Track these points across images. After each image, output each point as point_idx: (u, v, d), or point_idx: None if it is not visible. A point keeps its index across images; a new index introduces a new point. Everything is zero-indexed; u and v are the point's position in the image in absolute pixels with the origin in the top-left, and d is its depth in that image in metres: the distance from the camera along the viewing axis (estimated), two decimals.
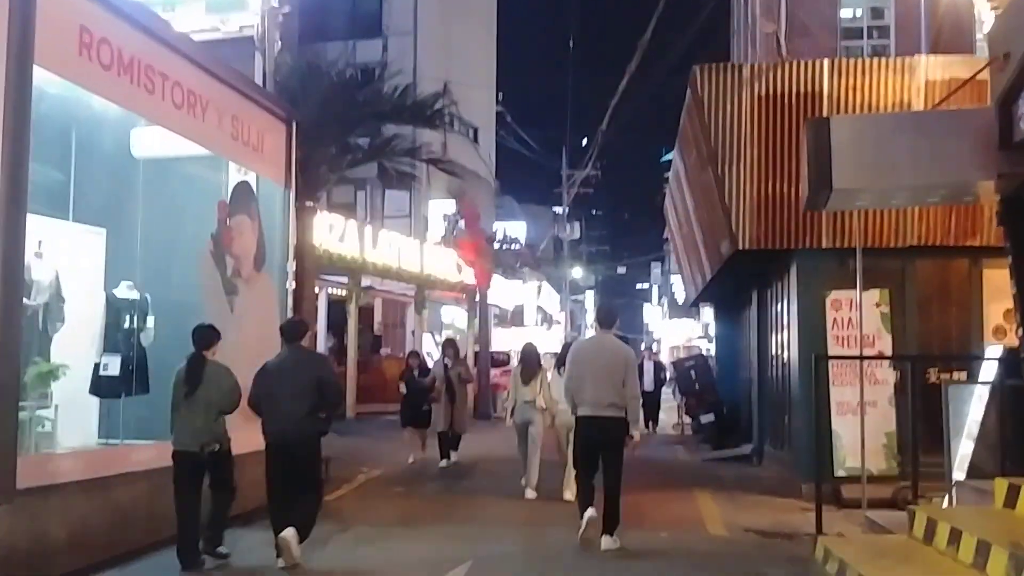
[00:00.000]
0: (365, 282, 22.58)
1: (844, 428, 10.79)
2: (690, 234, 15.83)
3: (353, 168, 13.40)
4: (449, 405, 14.23)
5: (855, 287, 10.30)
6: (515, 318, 43.52)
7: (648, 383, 18.18)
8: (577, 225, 60.20)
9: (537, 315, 47.50)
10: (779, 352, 13.21)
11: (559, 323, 53.86)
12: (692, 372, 17.19)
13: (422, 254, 22.17)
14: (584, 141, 54.55)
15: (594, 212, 72.18)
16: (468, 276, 24.55)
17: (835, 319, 11.14)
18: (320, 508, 7.80)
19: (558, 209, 54.78)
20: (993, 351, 9.90)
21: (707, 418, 16.76)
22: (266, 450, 7.35)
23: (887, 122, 9.18)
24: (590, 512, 8.19)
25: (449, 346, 14.75)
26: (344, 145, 12.66)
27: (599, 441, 8.28)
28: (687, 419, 18.75)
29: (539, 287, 48.56)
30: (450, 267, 23.66)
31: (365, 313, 25.27)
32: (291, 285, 11.48)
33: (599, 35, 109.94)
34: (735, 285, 15.84)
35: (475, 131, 33.55)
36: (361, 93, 13.23)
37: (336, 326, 22.14)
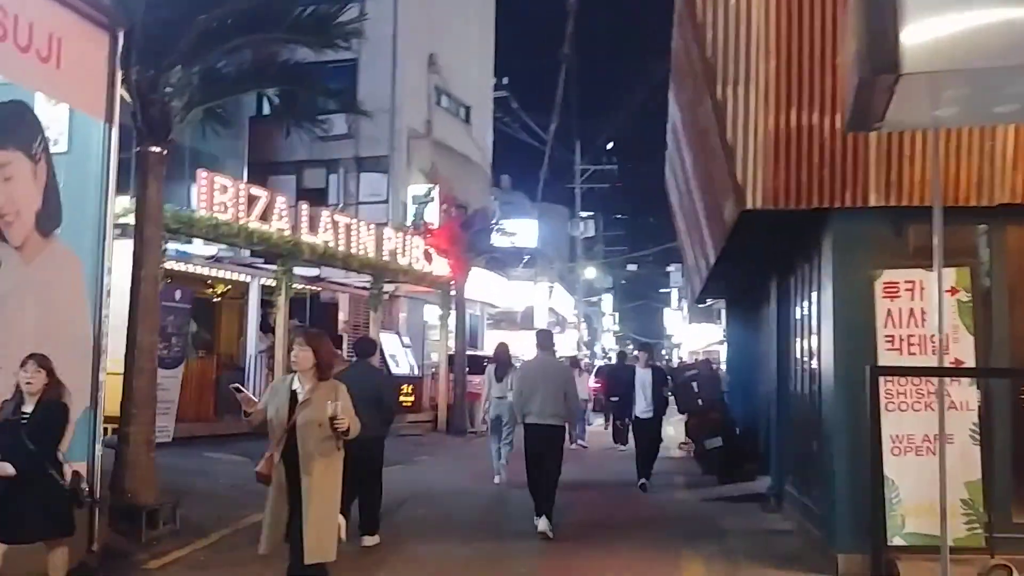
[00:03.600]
0: (327, 273, 19.18)
1: (903, 474, 7.25)
2: (690, 207, 12.24)
3: (222, 98, 9.91)
4: None
5: (918, 264, 6.81)
6: (524, 321, 40.12)
7: (643, 405, 12.61)
8: (592, 223, 56.85)
9: (549, 318, 43.98)
10: (807, 359, 9.62)
11: (572, 326, 50.60)
12: (693, 384, 13.55)
13: (379, 239, 18.66)
14: (609, 145, 51.70)
15: (616, 216, 68.71)
16: (441, 267, 21.05)
17: (889, 312, 7.56)
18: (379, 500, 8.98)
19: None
20: None
21: (712, 443, 13.12)
22: None
23: None
24: (543, 523, 9.31)
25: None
26: (210, 70, 9.27)
27: (542, 443, 9.51)
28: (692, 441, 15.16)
29: (551, 288, 45.27)
30: (417, 256, 20.13)
31: (327, 310, 21.84)
32: (108, 261, 8.02)
33: (616, 21, 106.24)
34: (749, 272, 12.23)
35: (467, 110, 30.07)
36: None
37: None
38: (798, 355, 10.19)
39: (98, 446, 7.83)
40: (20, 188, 7.38)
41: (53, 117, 7.96)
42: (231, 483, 11.52)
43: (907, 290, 7.52)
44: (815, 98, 7.54)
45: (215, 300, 19.15)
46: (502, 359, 13.32)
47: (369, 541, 8.84)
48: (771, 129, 7.66)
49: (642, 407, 12.79)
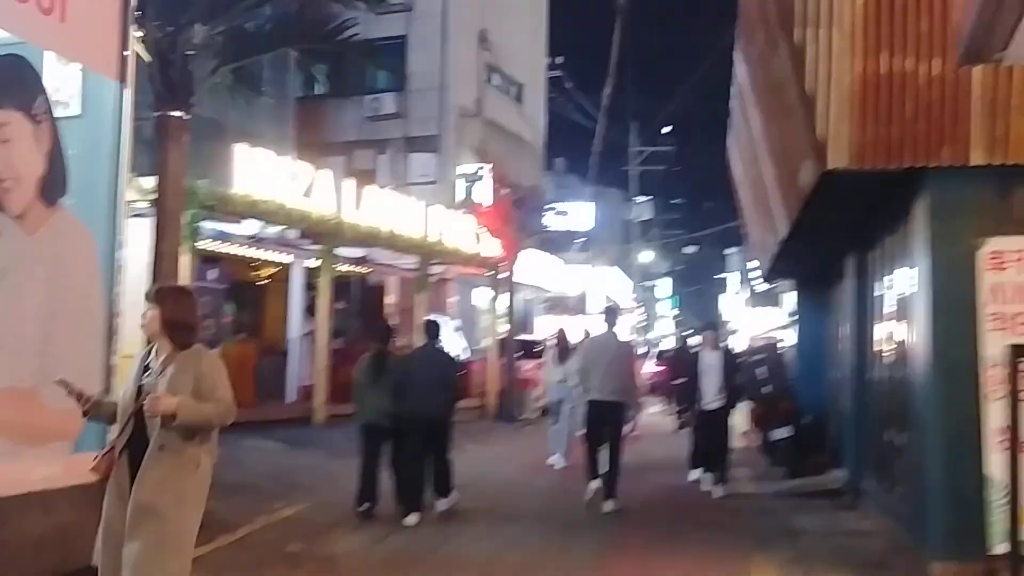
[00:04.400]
0: (373, 254, 18.48)
1: (1007, 472, 6.26)
2: (757, 178, 11.26)
3: (250, 58, 9.19)
4: None
5: None
6: (578, 306, 39.25)
7: (712, 394, 10.76)
8: (648, 207, 55.61)
9: (605, 302, 42.98)
10: (892, 341, 8.64)
11: (628, 311, 49.51)
12: (760, 370, 12.56)
13: (427, 219, 17.88)
14: (666, 128, 50.41)
15: (672, 201, 67.28)
16: (491, 248, 20.22)
17: (995, 286, 6.59)
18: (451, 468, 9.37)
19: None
20: None
21: (781, 433, 12.10)
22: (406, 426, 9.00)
23: None
24: (594, 483, 9.72)
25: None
26: (235, 28, 8.56)
27: (603, 420, 9.69)
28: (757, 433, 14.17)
29: (606, 273, 44.29)
30: (466, 236, 19.31)
31: (374, 293, 21.21)
32: (122, 235, 7.35)
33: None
34: (823, 248, 11.21)
35: (519, 88, 29.18)
36: None
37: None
38: (881, 337, 9.21)
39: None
40: (19, 152, 6.70)
41: (63, 78, 7.30)
42: (266, 473, 10.89)
43: (1016, 261, 6.56)
44: (909, 40, 6.57)
45: (261, 283, 18.59)
46: (562, 343, 13.59)
47: (443, 504, 9.27)
48: (858, 77, 6.69)
49: (710, 396, 10.74)
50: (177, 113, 8.32)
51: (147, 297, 4.64)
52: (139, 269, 8.38)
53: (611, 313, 10.79)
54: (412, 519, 8.88)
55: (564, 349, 13.61)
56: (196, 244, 12.27)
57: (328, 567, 7.27)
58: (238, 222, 14.13)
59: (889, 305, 8.73)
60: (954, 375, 6.64)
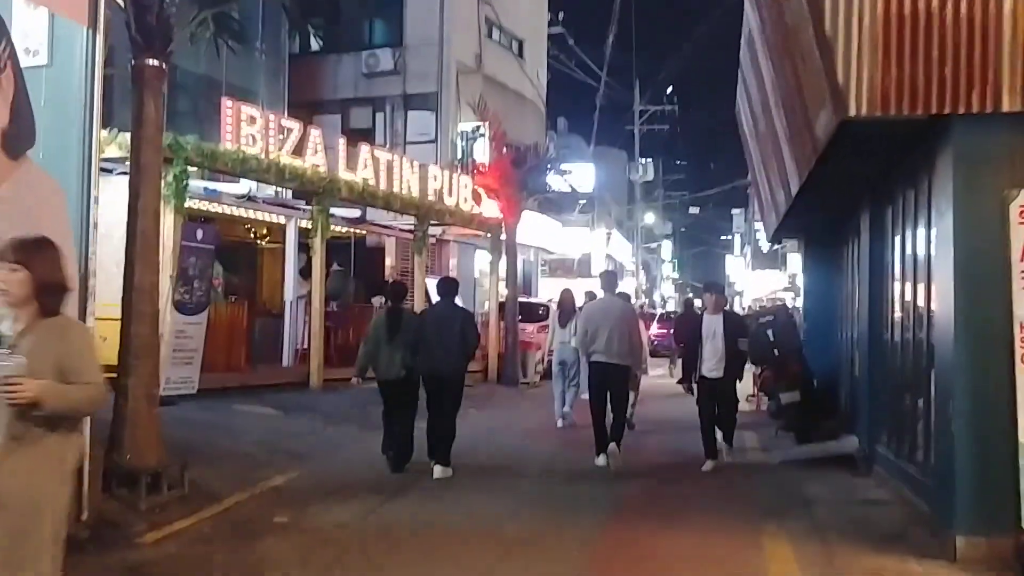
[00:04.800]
0: (370, 215, 18.03)
1: None
2: (768, 131, 10.77)
3: (229, 2, 8.63)
4: None
5: None
6: (581, 268, 38.87)
7: (711, 362, 9.95)
8: (651, 167, 54.98)
9: (607, 265, 42.69)
10: (911, 301, 8.20)
11: (630, 273, 49.03)
12: (769, 332, 12.10)
13: (424, 177, 17.37)
14: (669, 88, 49.60)
15: (675, 161, 66.65)
16: (491, 209, 19.72)
17: None
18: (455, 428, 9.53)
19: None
20: None
21: (789, 397, 11.67)
22: (423, 381, 9.55)
23: None
24: (601, 459, 9.82)
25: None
26: None
27: (607, 381, 9.89)
28: (763, 395, 13.77)
29: (608, 235, 43.83)
30: (465, 196, 18.81)
31: (372, 255, 20.75)
32: (95, 190, 6.89)
33: None
34: (835, 204, 10.75)
35: (520, 44, 28.50)
36: None
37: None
38: (898, 297, 8.77)
39: None
40: None
41: (31, 24, 6.84)
42: (257, 440, 10.51)
43: None
44: None
45: (254, 244, 18.15)
46: (566, 305, 13.43)
47: (440, 472, 9.20)
48: (880, 16, 6.20)
49: (709, 364, 9.93)
50: (153, 62, 7.82)
51: (3, 256, 3.67)
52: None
53: (612, 276, 11.10)
54: (440, 471, 9.22)
55: (569, 311, 13.36)
56: (184, 203, 11.79)
57: (316, 540, 6.88)
58: (228, 180, 13.67)
59: (908, 263, 8.27)
60: (983, 337, 6.21)
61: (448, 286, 10.02)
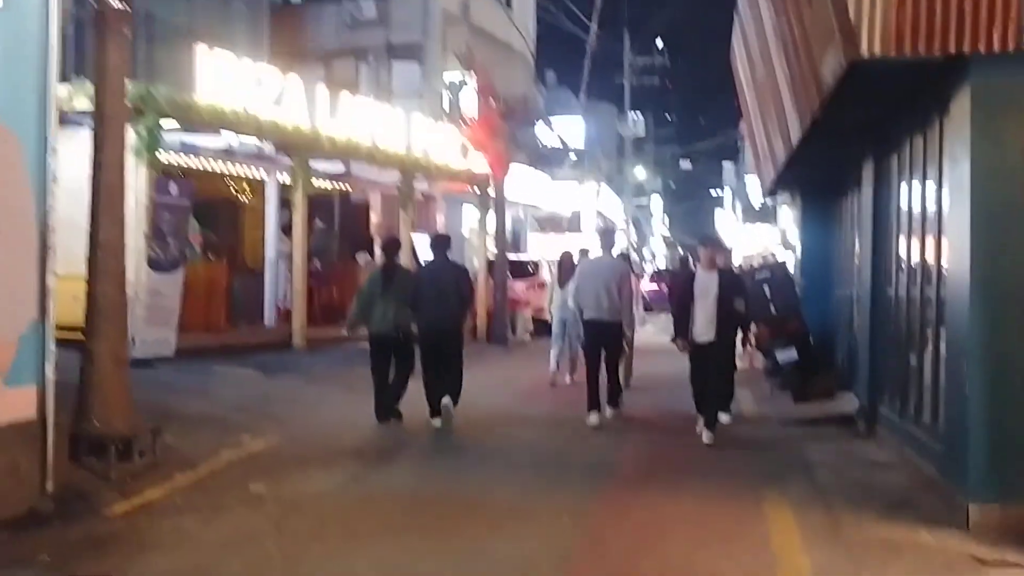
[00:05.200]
0: (354, 170, 17.45)
1: None
2: (767, 78, 10.31)
3: None
4: None
5: None
6: (571, 224, 38.34)
7: (702, 324, 8.90)
8: (641, 121, 54.31)
9: (599, 221, 42.19)
10: (917, 256, 7.81)
11: (621, 229, 48.54)
12: (766, 288, 11.72)
13: (409, 130, 16.83)
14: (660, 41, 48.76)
15: (666, 115, 65.85)
16: (479, 164, 19.20)
17: None
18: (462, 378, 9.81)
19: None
20: None
21: (787, 355, 11.33)
22: (420, 338, 9.61)
23: None
24: (594, 416, 9.74)
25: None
26: None
27: (599, 338, 9.96)
28: (759, 354, 13.42)
29: (598, 190, 43.26)
30: (452, 150, 18.28)
31: (357, 211, 20.26)
32: (53, 140, 6.42)
33: None
34: (837, 154, 10.32)
35: None
36: None
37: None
38: (903, 251, 8.38)
39: (49, 366, 6.37)
40: None
41: None
42: (236, 404, 10.12)
43: None
44: None
45: (234, 200, 17.61)
46: (566, 266, 13.24)
47: (445, 417, 9.52)
48: None
49: (700, 326, 8.88)
50: (117, 3, 7.30)
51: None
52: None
53: (607, 234, 10.95)
54: (436, 422, 9.44)
55: (568, 271, 12.99)
56: (156, 156, 11.29)
57: (292, 510, 6.50)
58: (204, 133, 13.15)
59: (916, 215, 7.87)
60: (1001, 293, 5.84)
61: (441, 242, 10.19)
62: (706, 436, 8.82)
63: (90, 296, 7.38)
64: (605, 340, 9.91)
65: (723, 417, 9.53)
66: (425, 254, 13.37)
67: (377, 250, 14.45)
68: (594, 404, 9.77)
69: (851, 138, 9.26)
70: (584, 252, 13.37)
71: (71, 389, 7.42)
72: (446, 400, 9.47)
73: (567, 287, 12.48)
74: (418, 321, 9.50)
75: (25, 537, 5.76)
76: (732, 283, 9.26)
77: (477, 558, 5.48)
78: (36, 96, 6.40)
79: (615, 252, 10.85)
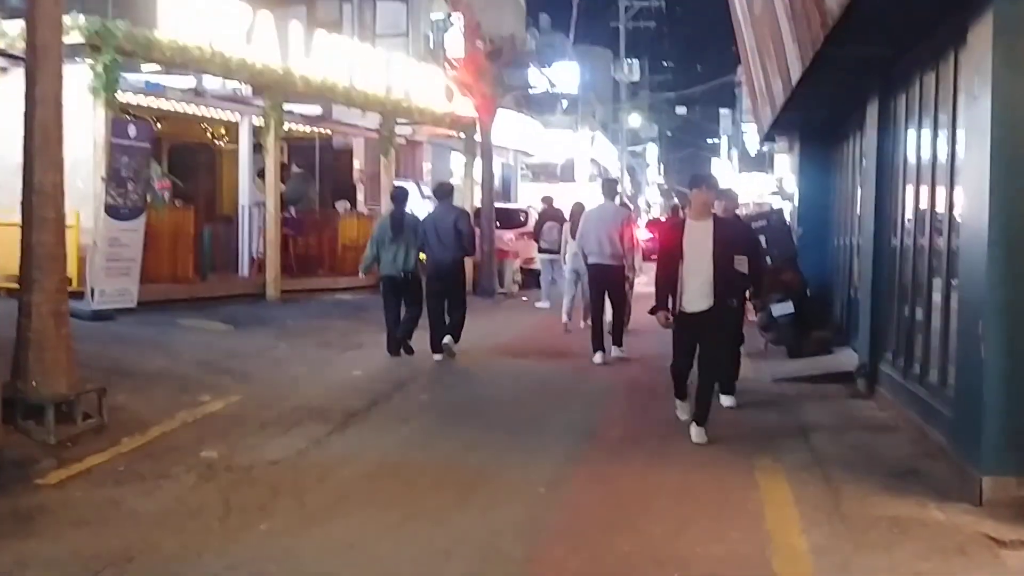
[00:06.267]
0: (333, 113, 16.69)
1: None
2: (767, 12, 9.60)
3: None
4: None
5: None
6: (564, 173, 37.58)
7: (696, 287, 6.88)
8: (636, 66, 53.19)
9: (592, 169, 41.47)
10: (928, 202, 7.20)
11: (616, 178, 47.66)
12: (762, 238, 11.06)
13: (390, 71, 16.06)
14: None
15: (662, 62, 64.61)
16: (465, 107, 18.45)
17: None
18: (464, 318, 10.71)
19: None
20: None
21: (782, 309, 10.76)
22: (427, 280, 10.59)
23: None
24: (599, 356, 10.48)
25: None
26: None
27: (603, 281, 10.64)
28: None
29: (592, 137, 42.40)
30: (436, 92, 17.52)
31: (339, 157, 19.53)
32: None
33: None
34: (839, 94, 9.66)
35: None
36: None
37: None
38: (910, 199, 7.77)
39: None
40: None
41: None
42: (199, 358, 9.55)
43: None
44: None
45: (215, 145, 16.88)
46: (577, 217, 13.17)
47: (448, 350, 10.42)
48: None
49: (692, 292, 6.90)
50: None
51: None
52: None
53: (611, 184, 11.67)
54: (438, 357, 10.34)
55: (577, 222, 12.86)
56: (114, 96, 10.59)
57: (243, 480, 5.95)
58: (172, 73, 12.41)
59: (925, 159, 7.25)
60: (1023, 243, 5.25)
61: (444, 189, 11.15)
62: (696, 434, 6.93)
63: (25, 246, 6.77)
64: (609, 283, 10.57)
65: (726, 400, 8.11)
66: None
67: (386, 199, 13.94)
68: (598, 345, 10.47)
69: (854, 77, 8.59)
70: (579, 205, 13.47)
71: (6, 347, 6.87)
72: (447, 339, 10.33)
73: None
74: (426, 262, 10.50)
75: None
76: (734, 235, 7.31)
77: (440, 534, 4.95)
78: None
79: (616, 200, 11.43)
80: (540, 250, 16.83)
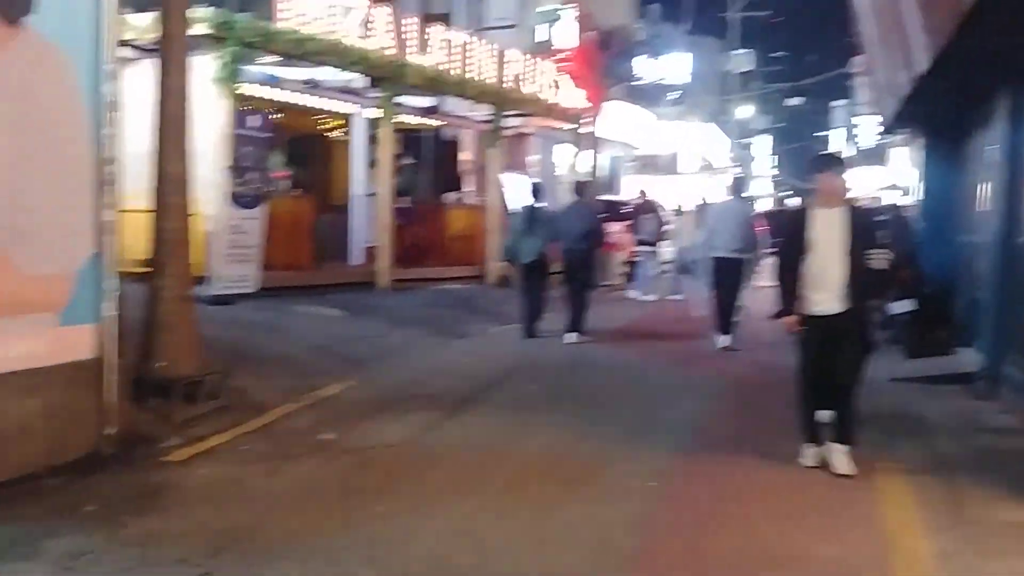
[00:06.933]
0: (444, 105, 16.87)
1: None
2: (891, 1, 9.29)
3: None
4: None
5: None
6: (668, 166, 37.12)
7: (825, 288, 5.91)
8: (752, 55, 52.03)
9: (699, 162, 40.90)
10: None
11: (724, 172, 46.86)
12: (882, 234, 10.64)
13: (501, 62, 16.12)
14: None
15: (773, 54, 63.18)
16: (573, 98, 18.39)
17: None
18: (587, 305, 11.82)
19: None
20: None
21: (901, 307, 10.44)
22: (561, 269, 11.67)
23: None
24: (723, 338, 11.18)
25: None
26: None
27: (726, 273, 11.07)
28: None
29: (701, 129, 41.71)
30: (545, 83, 17.49)
31: (447, 148, 19.71)
32: (110, 62, 6.03)
33: None
34: (967, 85, 9.28)
35: None
36: None
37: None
38: None
39: (108, 304, 6.05)
40: None
41: None
42: (315, 344, 9.80)
43: None
44: None
45: (328, 136, 17.25)
46: (703, 208, 14.82)
47: (574, 338, 11.30)
48: None
49: (820, 292, 5.97)
50: None
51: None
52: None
53: (740, 181, 13.22)
54: (571, 337, 11.28)
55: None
56: (235, 87, 10.92)
57: (360, 463, 6.11)
58: (286, 64, 12.72)
59: None
60: None
61: (581, 187, 12.69)
62: (840, 464, 5.96)
63: (154, 232, 7.06)
64: (730, 274, 11.00)
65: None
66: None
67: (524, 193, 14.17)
68: (723, 328, 11.13)
69: (985, 69, 8.24)
70: (702, 201, 14.32)
71: (136, 328, 7.16)
72: (569, 336, 11.29)
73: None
74: (562, 250, 11.30)
75: (78, 483, 5.50)
76: (869, 226, 6.26)
77: (551, 524, 4.98)
78: (90, 13, 6.01)
79: (742, 196, 12.16)
80: (638, 242, 16.98)
